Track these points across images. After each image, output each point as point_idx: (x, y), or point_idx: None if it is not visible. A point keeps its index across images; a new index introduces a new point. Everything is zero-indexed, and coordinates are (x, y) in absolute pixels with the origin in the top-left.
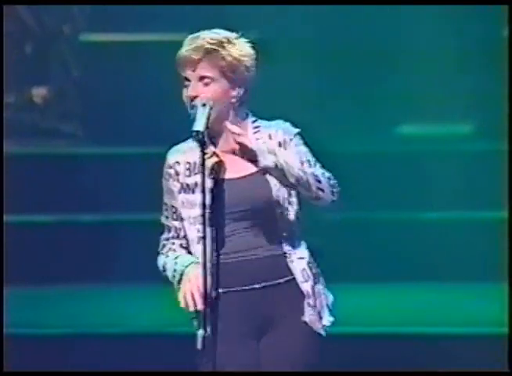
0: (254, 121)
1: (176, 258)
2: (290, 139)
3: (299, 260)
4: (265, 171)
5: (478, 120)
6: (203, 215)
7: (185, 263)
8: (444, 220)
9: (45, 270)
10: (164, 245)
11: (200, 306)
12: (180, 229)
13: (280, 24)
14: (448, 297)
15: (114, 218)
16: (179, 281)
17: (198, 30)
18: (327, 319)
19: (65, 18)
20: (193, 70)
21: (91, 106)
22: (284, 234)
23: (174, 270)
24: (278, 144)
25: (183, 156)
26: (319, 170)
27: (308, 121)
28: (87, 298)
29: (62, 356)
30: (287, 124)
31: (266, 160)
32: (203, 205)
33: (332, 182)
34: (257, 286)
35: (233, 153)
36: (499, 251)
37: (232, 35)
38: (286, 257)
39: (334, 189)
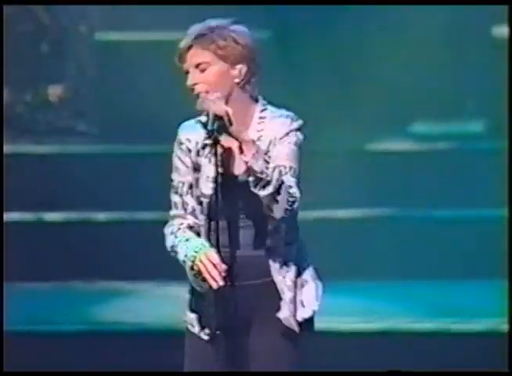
0: (262, 110)
1: (187, 240)
2: (286, 134)
3: (279, 259)
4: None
5: (478, 119)
6: (216, 202)
7: (195, 249)
8: (443, 218)
9: (46, 267)
10: (172, 224)
11: (221, 282)
12: (187, 204)
13: (283, 23)
14: (447, 294)
15: (125, 217)
16: (191, 267)
17: None
18: (301, 315)
19: (80, 17)
20: (187, 60)
21: (105, 105)
22: (272, 235)
23: (185, 256)
24: (269, 142)
25: (194, 134)
26: (289, 179)
27: (319, 121)
28: (89, 295)
29: (62, 354)
30: (289, 119)
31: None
32: (216, 196)
33: (291, 199)
34: (236, 284)
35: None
36: (498, 249)
37: (224, 21)
38: (268, 258)
39: (288, 206)
